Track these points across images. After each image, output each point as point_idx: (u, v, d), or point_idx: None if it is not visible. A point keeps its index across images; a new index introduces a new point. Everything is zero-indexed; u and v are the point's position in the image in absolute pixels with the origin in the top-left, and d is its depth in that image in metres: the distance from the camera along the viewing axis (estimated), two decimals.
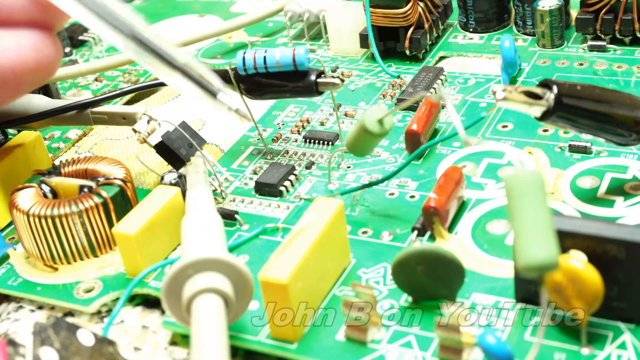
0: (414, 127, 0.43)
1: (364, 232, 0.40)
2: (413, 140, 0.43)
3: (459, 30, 0.56)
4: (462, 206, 0.40)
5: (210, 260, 0.32)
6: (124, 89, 0.47)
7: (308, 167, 0.45)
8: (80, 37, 0.64)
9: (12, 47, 0.38)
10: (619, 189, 0.40)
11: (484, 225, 0.39)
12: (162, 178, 0.42)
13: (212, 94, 0.36)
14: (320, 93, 0.44)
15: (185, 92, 0.37)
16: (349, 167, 0.45)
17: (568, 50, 0.51)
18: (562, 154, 0.43)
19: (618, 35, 0.50)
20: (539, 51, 0.52)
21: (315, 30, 0.59)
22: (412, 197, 0.42)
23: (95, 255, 0.41)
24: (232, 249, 0.40)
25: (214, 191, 0.44)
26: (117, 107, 0.46)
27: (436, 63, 0.53)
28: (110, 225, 0.41)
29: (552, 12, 0.50)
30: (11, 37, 0.38)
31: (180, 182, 0.42)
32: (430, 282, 0.35)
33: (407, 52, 0.53)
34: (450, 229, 0.39)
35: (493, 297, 0.35)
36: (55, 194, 0.42)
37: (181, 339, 0.37)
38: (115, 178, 0.41)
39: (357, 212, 0.41)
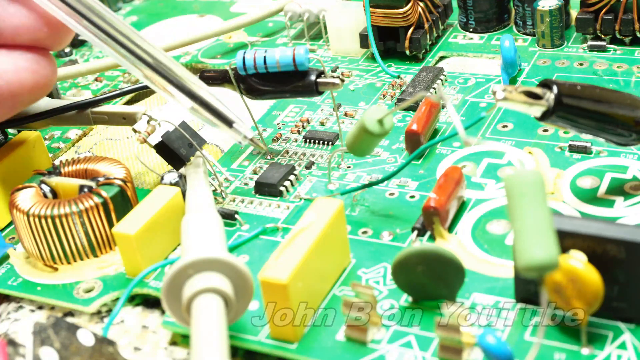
0: (414, 127, 0.43)
1: (364, 232, 0.40)
2: (413, 140, 0.43)
3: (459, 30, 0.56)
4: (462, 206, 0.40)
5: (210, 260, 0.32)
6: (124, 89, 0.47)
7: (308, 167, 0.45)
8: (80, 37, 0.64)
9: (10, 69, 0.39)
10: (619, 189, 0.40)
11: (484, 225, 0.39)
12: (162, 178, 0.42)
13: (229, 122, 0.40)
14: (320, 93, 0.44)
15: (203, 120, 0.40)
16: (349, 167, 0.45)
17: (568, 50, 0.51)
18: (562, 154, 0.43)
19: (618, 35, 0.50)
20: (539, 51, 0.52)
21: (315, 30, 0.59)
22: (412, 197, 0.42)
23: (95, 255, 0.41)
24: (232, 249, 0.40)
25: (214, 191, 0.44)
26: (117, 107, 0.46)
27: (436, 63, 0.53)
28: (110, 225, 0.41)
29: (552, 12, 0.50)
30: (9, 58, 0.39)
31: (180, 182, 0.42)
32: (430, 282, 0.35)
33: (407, 52, 0.53)
34: (450, 229, 0.39)
35: (493, 297, 0.35)
36: (55, 194, 0.42)
37: (181, 339, 0.37)
38: (115, 178, 0.41)
39: (357, 212, 0.41)
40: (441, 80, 0.50)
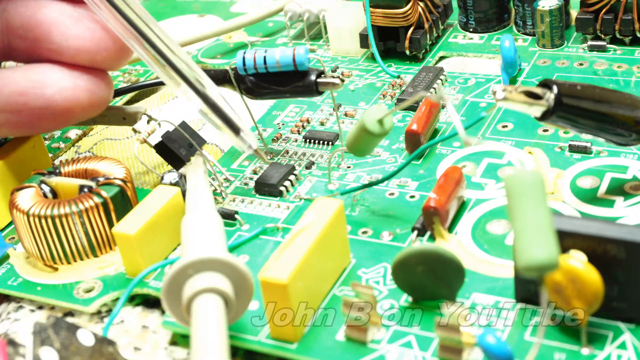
0: (414, 127, 0.43)
1: (364, 232, 0.40)
2: (413, 140, 0.43)
3: (459, 30, 0.56)
4: (462, 206, 0.40)
5: (210, 260, 0.32)
6: (124, 89, 0.47)
7: (308, 167, 0.45)
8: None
9: (69, 87, 0.41)
10: (619, 189, 0.40)
11: (484, 225, 0.39)
12: (162, 178, 0.42)
13: (236, 130, 0.40)
14: (320, 93, 0.44)
15: (210, 124, 0.41)
16: (349, 167, 0.45)
17: (568, 50, 0.51)
18: (562, 154, 0.43)
19: (618, 35, 0.50)
20: (539, 51, 0.52)
21: (315, 30, 0.59)
22: (412, 197, 0.42)
23: (95, 255, 0.41)
24: (232, 249, 0.40)
25: (214, 191, 0.43)
26: (117, 107, 0.46)
27: (436, 63, 0.53)
28: (110, 225, 0.41)
29: (552, 12, 0.50)
30: (69, 76, 0.41)
31: (180, 182, 0.42)
32: (430, 282, 0.35)
33: (407, 52, 0.53)
34: (450, 229, 0.39)
35: (493, 297, 0.35)
36: (55, 194, 0.42)
37: (181, 339, 0.37)
38: (115, 178, 0.41)
39: (357, 212, 0.41)
40: (441, 80, 0.50)
